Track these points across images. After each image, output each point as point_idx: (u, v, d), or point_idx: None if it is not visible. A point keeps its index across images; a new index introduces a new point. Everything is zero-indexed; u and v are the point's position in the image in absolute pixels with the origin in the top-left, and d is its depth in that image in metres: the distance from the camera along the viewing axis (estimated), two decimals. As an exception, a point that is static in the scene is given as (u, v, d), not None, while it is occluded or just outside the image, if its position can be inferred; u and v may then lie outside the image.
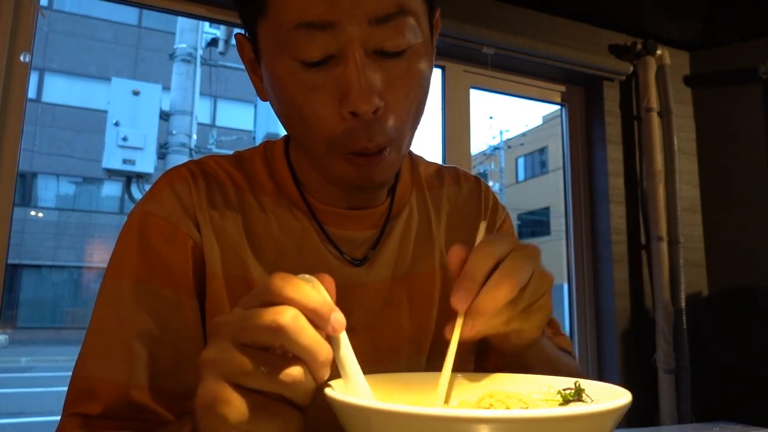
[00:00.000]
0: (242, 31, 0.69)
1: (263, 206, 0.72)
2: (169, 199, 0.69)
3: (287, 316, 0.42)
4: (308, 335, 0.42)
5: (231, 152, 0.80)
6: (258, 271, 0.69)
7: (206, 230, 0.68)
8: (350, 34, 0.58)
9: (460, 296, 0.52)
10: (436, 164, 0.87)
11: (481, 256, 0.53)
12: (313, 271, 0.46)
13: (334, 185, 0.69)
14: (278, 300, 0.43)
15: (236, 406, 0.42)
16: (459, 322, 0.53)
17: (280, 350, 0.43)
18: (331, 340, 0.45)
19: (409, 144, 0.67)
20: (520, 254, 0.54)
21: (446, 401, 0.53)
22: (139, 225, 0.68)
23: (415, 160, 0.85)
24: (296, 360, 0.43)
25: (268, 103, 0.68)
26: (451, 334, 0.53)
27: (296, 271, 0.45)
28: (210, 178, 0.72)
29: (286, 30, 0.58)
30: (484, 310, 0.52)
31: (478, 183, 0.86)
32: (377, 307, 0.73)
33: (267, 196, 0.73)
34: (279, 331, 0.42)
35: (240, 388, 0.42)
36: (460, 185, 0.85)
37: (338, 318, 0.44)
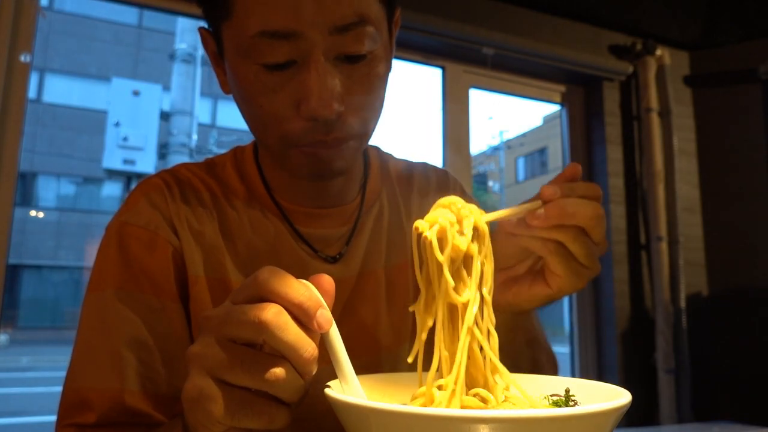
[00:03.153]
0: (206, 25, 0.71)
1: (236, 210, 0.74)
2: (146, 208, 0.70)
3: (270, 313, 0.42)
4: (291, 332, 0.42)
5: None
6: (235, 274, 0.70)
7: (185, 235, 0.70)
8: (312, 42, 0.59)
9: (553, 189, 0.55)
10: (405, 160, 0.89)
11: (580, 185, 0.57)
12: (289, 271, 0.46)
13: (295, 176, 0.70)
14: (263, 293, 0.43)
15: (221, 402, 0.42)
16: (536, 203, 0.55)
17: (266, 347, 0.43)
18: (324, 336, 0.45)
19: (372, 133, 0.69)
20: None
21: None
22: (118, 236, 0.69)
23: (384, 157, 0.86)
24: (280, 357, 0.42)
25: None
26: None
27: None
28: (184, 186, 0.73)
29: (249, 36, 0.60)
30: (567, 204, 0.54)
31: (446, 176, 0.88)
32: (354, 302, 0.74)
33: (239, 200, 0.74)
34: (261, 326, 0.41)
35: (225, 384, 0.43)
36: (428, 179, 0.86)
37: (324, 314, 0.44)
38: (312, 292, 0.44)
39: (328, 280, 0.46)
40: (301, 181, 0.73)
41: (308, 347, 0.43)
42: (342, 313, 0.73)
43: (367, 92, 0.64)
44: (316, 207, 0.75)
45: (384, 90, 0.68)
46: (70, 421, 0.63)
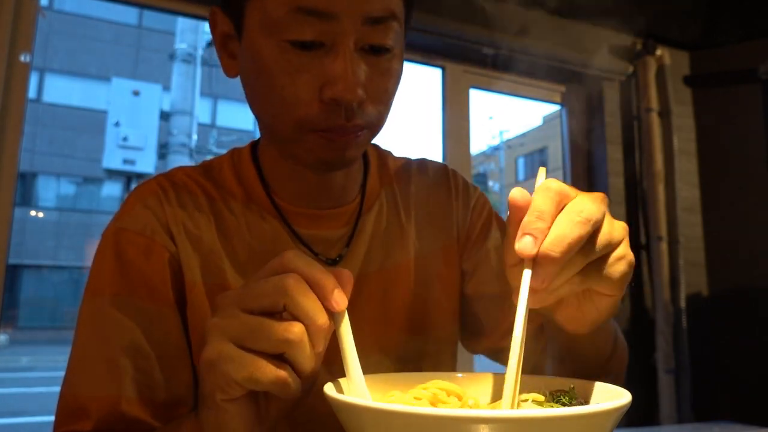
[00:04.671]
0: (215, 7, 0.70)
1: (234, 213, 0.73)
2: (142, 214, 0.69)
3: (291, 280, 0.45)
4: (310, 299, 0.45)
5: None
6: (234, 277, 0.70)
7: (181, 241, 0.69)
8: (345, 28, 0.60)
9: (525, 241, 0.43)
10: (404, 158, 0.88)
11: (546, 194, 0.45)
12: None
13: (302, 165, 0.69)
14: (286, 268, 0.46)
15: (239, 362, 0.44)
16: (526, 275, 0.44)
17: (285, 315, 0.45)
18: (335, 319, 0.47)
19: (382, 128, 0.70)
20: (587, 195, 0.46)
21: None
22: (114, 242, 0.68)
23: (383, 155, 0.86)
24: (297, 323, 0.45)
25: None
26: (517, 298, 0.44)
27: None
28: (180, 190, 0.73)
29: (283, 11, 0.60)
30: (554, 251, 0.42)
31: (444, 170, 0.88)
32: (355, 303, 0.73)
33: (237, 202, 0.74)
34: (282, 290, 0.44)
35: (243, 349, 0.45)
36: (427, 175, 0.86)
37: (341, 295, 0.46)
38: (330, 275, 0.46)
39: (347, 275, 0.48)
40: (304, 175, 0.73)
41: (323, 315, 0.45)
42: None
43: (385, 86, 0.66)
44: (316, 208, 0.74)
45: (396, 90, 0.69)
46: (67, 429, 0.63)
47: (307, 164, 0.68)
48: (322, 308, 0.45)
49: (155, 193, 0.72)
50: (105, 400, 0.62)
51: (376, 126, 0.67)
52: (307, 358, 0.45)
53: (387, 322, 0.75)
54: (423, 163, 0.88)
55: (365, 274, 0.75)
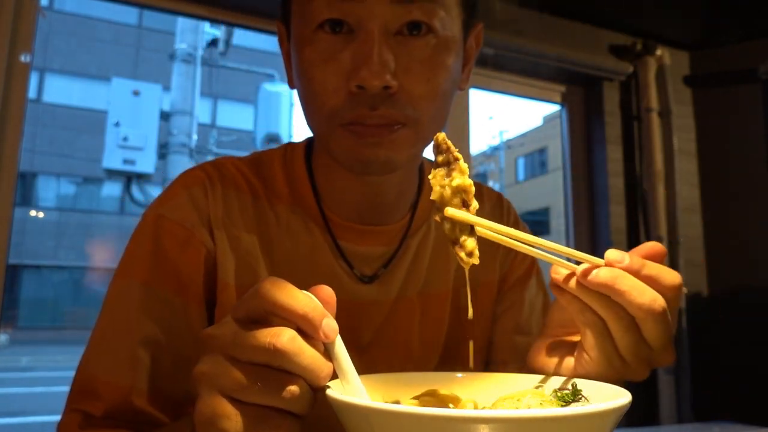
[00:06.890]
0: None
1: (278, 216, 0.71)
2: (185, 204, 0.68)
3: (285, 338, 0.41)
4: (307, 355, 0.42)
5: (231, 153, 0.79)
6: None
7: (221, 239, 0.68)
8: (371, 10, 0.59)
9: (619, 253, 0.50)
10: None
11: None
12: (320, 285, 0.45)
13: (344, 166, 0.66)
14: (267, 306, 0.42)
15: (236, 420, 0.42)
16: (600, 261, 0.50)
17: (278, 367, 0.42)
18: (326, 345, 0.45)
19: (431, 130, 0.65)
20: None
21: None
22: (153, 228, 0.67)
23: None
24: (294, 375, 0.42)
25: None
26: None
27: (303, 284, 0.45)
28: (227, 183, 0.71)
29: None
30: (621, 278, 0.48)
31: (500, 200, 0.85)
32: (386, 326, 0.72)
33: (283, 204, 0.72)
34: (277, 353, 0.41)
35: (238, 402, 0.42)
36: (482, 202, 0.83)
37: (330, 324, 0.43)
38: (316, 303, 0.44)
39: (327, 291, 0.45)
40: (354, 185, 0.70)
41: (325, 368, 0.43)
42: (373, 337, 0.71)
43: (424, 75, 0.62)
44: (363, 223, 0.72)
45: (448, 85, 0.65)
46: (79, 407, 0.63)
47: (346, 165, 0.65)
48: (322, 359, 0.43)
49: (202, 183, 0.70)
50: (118, 390, 0.62)
51: (417, 123, 0.62)
52: (307, 405, 0.43)
53: (415, 347, 0.73)
54: (479, 188, 0.84)
55: (401, 298, 0.72)
